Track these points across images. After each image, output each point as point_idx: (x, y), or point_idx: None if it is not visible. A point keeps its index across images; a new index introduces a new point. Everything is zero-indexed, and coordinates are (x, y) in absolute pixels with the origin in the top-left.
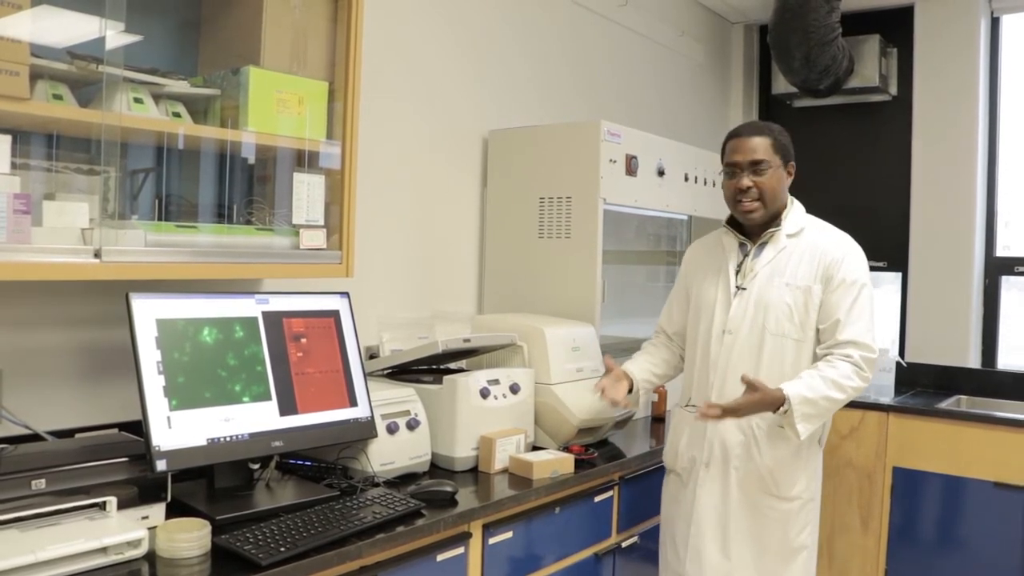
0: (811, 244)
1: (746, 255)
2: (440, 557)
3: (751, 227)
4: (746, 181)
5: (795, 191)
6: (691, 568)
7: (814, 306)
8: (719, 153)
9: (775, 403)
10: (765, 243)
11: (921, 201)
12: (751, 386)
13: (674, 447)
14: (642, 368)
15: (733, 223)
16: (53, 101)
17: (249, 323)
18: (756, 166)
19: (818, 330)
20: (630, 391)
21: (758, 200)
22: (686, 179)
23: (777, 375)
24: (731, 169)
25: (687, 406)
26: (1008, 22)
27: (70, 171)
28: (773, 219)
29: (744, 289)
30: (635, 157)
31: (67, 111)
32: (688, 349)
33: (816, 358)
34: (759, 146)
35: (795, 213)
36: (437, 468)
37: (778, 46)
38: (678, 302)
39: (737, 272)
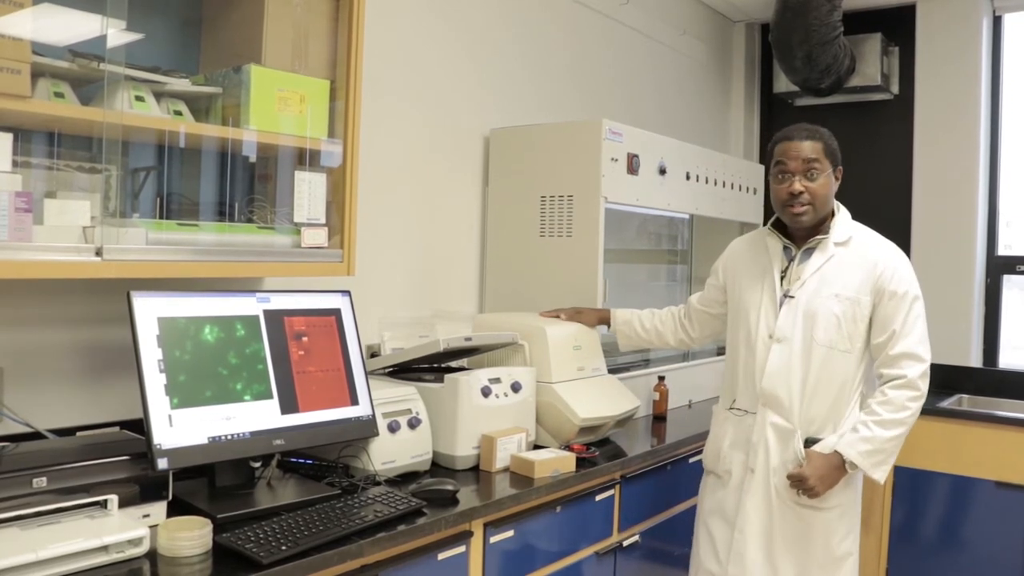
0: (860, 254)
1: (791, 260)
2: (441, 556)
3: (796, 231)
4: (798, 185)
5: None
6: (734, 571)
7: (862, 317)
8: (721, 152)
9: (840, 466)
10: (811, 249)
11: (922, 200)
12: (795, 479)
13: (716, 449)
14: (630, 314)
15: (777, 225)
16: (54, 99)
17: (250, 321)
18: (809, 170)
19: (873, 345)
20: (608, 325)
21: (809, 204)
22: (687, 178)
23: (825, 385)
24: (781, 172)
25: (731, 408)
26: (1010, 21)
27: (71, 169)
28: (820, 224)
29: (792, 297)
30: (636, 156)
31: (68, 109)
32: (729, 351)
33: (874, 372)
34: (812, 149)
35: (842, 220)
36: (438, 467)
37: (779, 45)
38: (712, 287)
39: (782, 278)
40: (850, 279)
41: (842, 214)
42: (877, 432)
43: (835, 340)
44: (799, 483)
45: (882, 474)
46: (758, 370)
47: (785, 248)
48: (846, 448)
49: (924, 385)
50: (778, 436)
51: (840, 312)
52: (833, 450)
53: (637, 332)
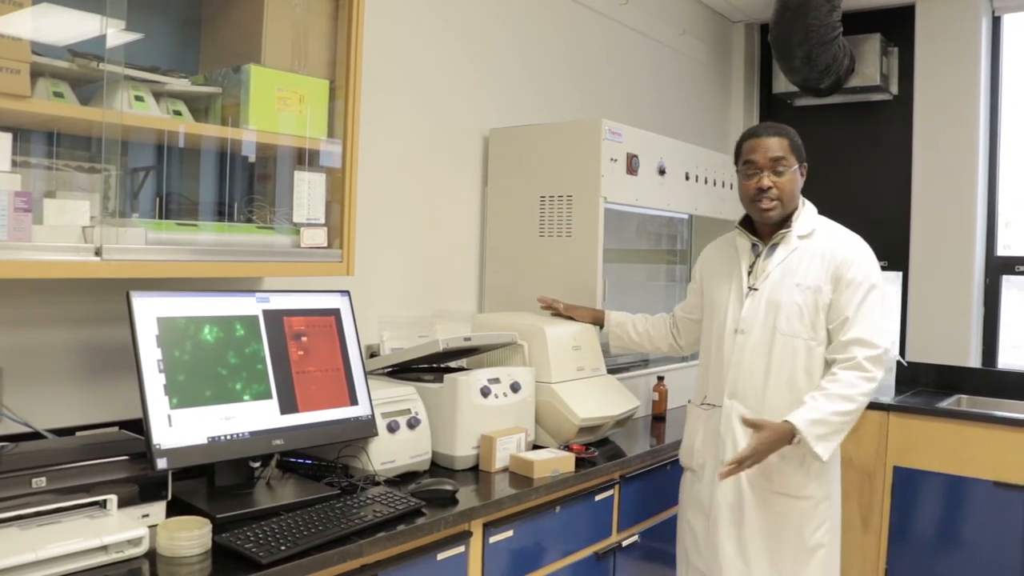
0: (822, 245)
1: (758, 256)
2: (441, 556)
3: (763, 228)
4: (766, 180)
5: None
6: (710, 563)
7: (824, 306)
8: (721, 152)
9: (787, 436)
10: (777, 244)
11: (922, 200)
12: (753, 426)
13: (690, 445)
14: (624, 316)
15: (745, 225)
16: (54, 99)
17: (250, 321)
18: (776, 166)
19: (828, 331)
20: (601, 325)
21: (776, 200)
22: (687, 178)
23: (788, 374)
24: (750, 169)
25: (703, 404)
26: (1009, 21)
27: (71, 169)
28: (786, 220)
29: (756, 289)
30: (636, 156)
31: (68, 109)
32: (703, 347)
33: (826, 362)
34: (778, 145)
35: (806, 215)
36: (438, 467)
37: (779, 45)
38: (692, 293)
39: (749, 273)
40: (811, 269)
41: (807, 209)
42: (823, 403)
43: (797, 329)
44: (744, 459)
45: (824, 449)
46: (725, 364)
47: (753, 245)
48: (793, 415)
49: (875, 369)
50: (745, 427)
51: (802, 301)
52: (783, 419)
53: (630, 335)
